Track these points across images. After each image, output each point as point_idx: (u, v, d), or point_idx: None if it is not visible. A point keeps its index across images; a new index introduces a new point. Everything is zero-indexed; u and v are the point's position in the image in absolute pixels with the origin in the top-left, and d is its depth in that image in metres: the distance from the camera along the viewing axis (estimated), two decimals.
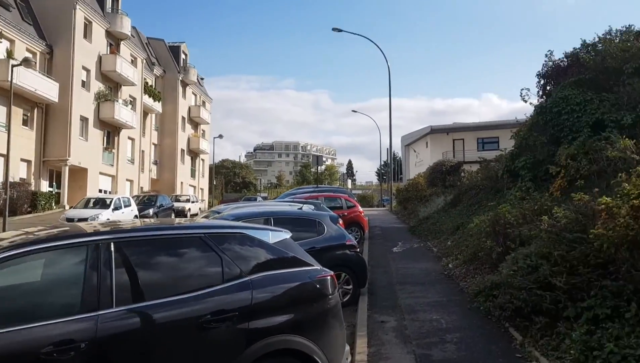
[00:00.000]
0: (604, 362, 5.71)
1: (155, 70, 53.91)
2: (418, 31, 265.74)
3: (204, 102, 66.10)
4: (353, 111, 76.64)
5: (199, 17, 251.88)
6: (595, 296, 6.77)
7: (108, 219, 23.87)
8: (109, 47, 41.79)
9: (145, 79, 49.58)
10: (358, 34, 40.29)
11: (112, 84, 42.43)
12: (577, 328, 6.62)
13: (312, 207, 14.52)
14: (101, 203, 27.42)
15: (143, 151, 48.87)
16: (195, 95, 63.12)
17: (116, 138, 42.96)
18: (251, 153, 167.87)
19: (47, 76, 34.50)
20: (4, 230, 20.25)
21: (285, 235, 5.59)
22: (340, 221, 17.44)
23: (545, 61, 17.62)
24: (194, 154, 61.94)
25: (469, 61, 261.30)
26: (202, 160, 65.39)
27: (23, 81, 30.39)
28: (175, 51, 58.17)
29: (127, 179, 45.25)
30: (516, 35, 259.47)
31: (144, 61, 49.61)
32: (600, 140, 12.07)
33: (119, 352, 3.94)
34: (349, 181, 72.66)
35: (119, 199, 28.26)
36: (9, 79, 23.77)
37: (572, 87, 14.38)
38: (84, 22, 37.87)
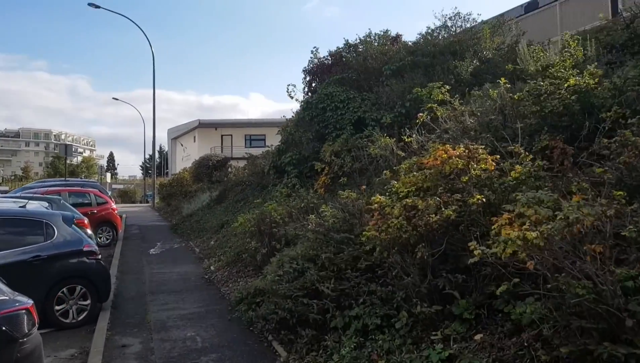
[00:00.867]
0: None
1: None
2: (188, 26, 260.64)
3: None
4: (114, 98, 70.72)
5: None
6: (364, 303, 6.17)
7: None
8: None
9: None
10: (119, 14, 36.80)
11: None
12: (345, 341, 5.92)
13: (47, 205, 11.87)
14: None
15: None
16: None
17: None
18: None
19: None
20: None
21: None
22: (85, 221, 14.94)
23: (311, 58, 17.66)
24: None
25: (238, 60, 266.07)
26: None
27: None
28: None
29: None
30: (285, 41, 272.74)
31: None
32: (362, 138, 12.13)
33: None
34: (109, 174, 66.59)
35: None
36: None
37: (336, 85, 14.44)
38: None
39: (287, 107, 32.91)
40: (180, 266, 13.57)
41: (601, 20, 13.78)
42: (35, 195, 14.92)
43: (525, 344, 4.40)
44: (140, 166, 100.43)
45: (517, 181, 5.44)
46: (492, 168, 5.70)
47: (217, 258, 13.26)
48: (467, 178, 5.83)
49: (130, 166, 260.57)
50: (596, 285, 3.69)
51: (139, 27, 43.63)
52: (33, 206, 9.97)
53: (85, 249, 8.92)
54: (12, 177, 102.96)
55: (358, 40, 16.44)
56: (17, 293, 4.20)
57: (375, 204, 5.88)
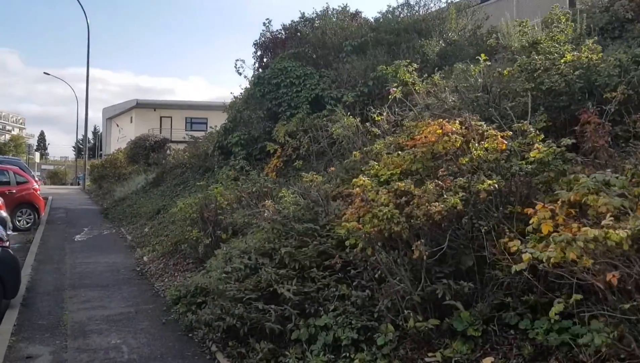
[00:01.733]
0: None
1: None
2: (127, 2, 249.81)
3: None
4: (46, 73, 66.02)
5: None
6: (335, 311, 4.98)
7: None
8: None
9: None
10: None
11: None
12: (311, 358, 4.72)
13: None
14: None
15: None
16: None
17: None
18: None
19: None
20: None
21: None
22: (0, 201, 13.03)
23: (263, 31, 16.12)
24: None
25: (179, 41, 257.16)
26: None
27: None
28: None
29: None
30: (231, 23, 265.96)
31: None
32: (321, 117, 10.90)
33: None
34: (38, 154, 62.39)
35: None
36: None
37: (292, 60, 13.10)
38: None
39: (229, 93, 31.08)
40: (109, 255, 11.94)
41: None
42: None
43: None
44: (73, 147, 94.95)
45: (540, 163, 4.37)
46: (503, 147, 4.62)
47: (152, 247, 11.73)
48: (467, 158, 4.74)
49: (62, 147, 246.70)
50: None
51: None
52: None
53: None
54: None
55: (315, 15, 15.13)
56: None
57: (357, 188, 4.67)
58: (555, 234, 3.05)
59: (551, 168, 4.26)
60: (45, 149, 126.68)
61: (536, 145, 4.53)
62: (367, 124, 8.96)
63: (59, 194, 30.01)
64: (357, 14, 15.75)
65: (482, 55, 7.97)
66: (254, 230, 7.59)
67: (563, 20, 8.28)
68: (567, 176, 3.56)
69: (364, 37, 13.14)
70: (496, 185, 4.16)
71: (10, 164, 19.15)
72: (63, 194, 30.78)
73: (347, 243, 4.80)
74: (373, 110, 9.03)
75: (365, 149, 6.85)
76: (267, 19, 15.24)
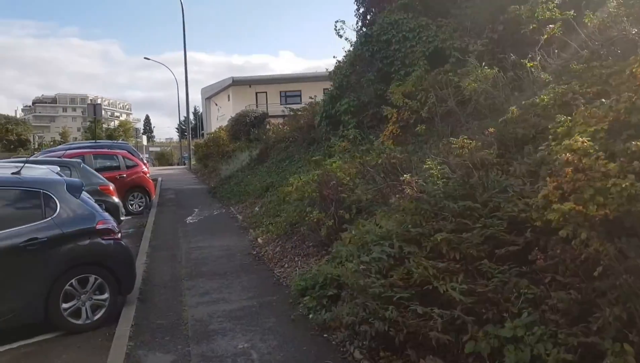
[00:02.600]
0: None
1: None
2: None
3: None
4: (146, 58, 68.56)
5: None
6: (526, 316, 3.74)
7: None
8: None
9: None
10: None
11: None
12: None
13: (58, 169, 9.71)
14: None
15: None
16: None
17: None
18: (30, 106, 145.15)
19: None
20: None
21: None
22: (111, 187, 12.87)
23: None
24: None
25: (269, 16, 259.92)
26: None
27: None
28: None
29: None
30: None
31: None
32: (444, 73, 9.45)
33: None
34: (145, 137, 65.31)
35: None
36: None
37: (402, 12, 11.62)
38: None
39: (320, 64, 30.10)
40: (222, 238, 11.40)
41: None
42: (50, 158, 12.89)
43: None
44: (176, 128, 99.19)
45: None
46: None
47: (265, 228, 11.01)
48: None
49: (166, 129, 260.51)
50: None
51: None
52: (34, 171, 7.80)
53: (99, 227, 6.71)
54: (51, 143, 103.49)
55: None
56: None
57: (568, 154, 3.34)
58: None
59: None
60: (151, 132, 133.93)
61: None
62: (509, 74, 7.46)
63: (167, 175, 30.77)
64: None
65: None
66: (386, 210, 6.46)
67: None
68: None
69: None
70: None
71: (119, 148, 19.37)
72: (171, 175, 31.56)
73: (561, 233, 3.52)
74: (514, 57, 7.50)
75: (526, 102, 5.44)
76: None
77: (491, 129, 5.47)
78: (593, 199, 3.10)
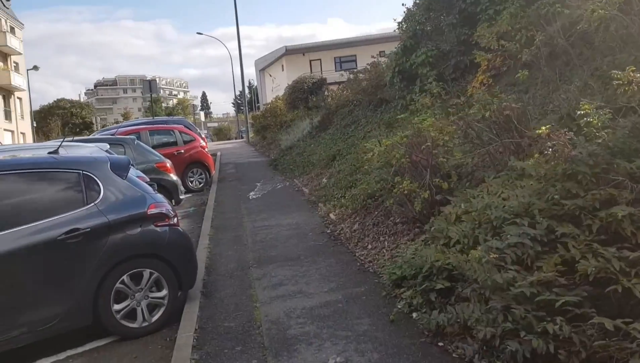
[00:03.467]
0: None
1: None
2: None
3: (12, 28, 53.58)
4: (198, 33, 67.17)
5: None
6: None
7: None
8: None
9: None
10: None
11: None
12: None
13: (107, 147, 8.74)
14: None
15: None
16: None
17: None
18: (92, 90, 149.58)
19: None
20: None
21: None
22: (168, 164, 11.89)
23: None
24: (6, 92, 50.32)
25: None
26: (19, 99, 53.69)
27: None
28: None
29: None
30: None
31: None
32: (552, 4, 7.70)
33: None
34: (202, 113, 65.38)
35: None
36: None
37: None
38: None
39: (370, 29, 28.20)
40: (290, 214, 10.23)
41: None
42: (103, 136, 12.06)
43: None
44: (232, 103, 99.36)
45: None
46: None
47: (337, 202, 9.74)
48: None
49: (222, 105, 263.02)
50: None
51: None
52: (77, 151, 6.81)
53: (150, 211, 5.60)
54: (115, 123, 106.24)
55: None
56: None
57: None
58: None
59: None
60: (208, 108, 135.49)
61: None
62: None
63: (226, 149, 30.12)
64: None
65: None
66: (506, 177, 5.00)
67: None
68: None
69: None
70: None
71: (175, 123, 18.54)
72: (230, 149, 30.91)
73: None
74: None
75: None
76: None
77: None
78: None
